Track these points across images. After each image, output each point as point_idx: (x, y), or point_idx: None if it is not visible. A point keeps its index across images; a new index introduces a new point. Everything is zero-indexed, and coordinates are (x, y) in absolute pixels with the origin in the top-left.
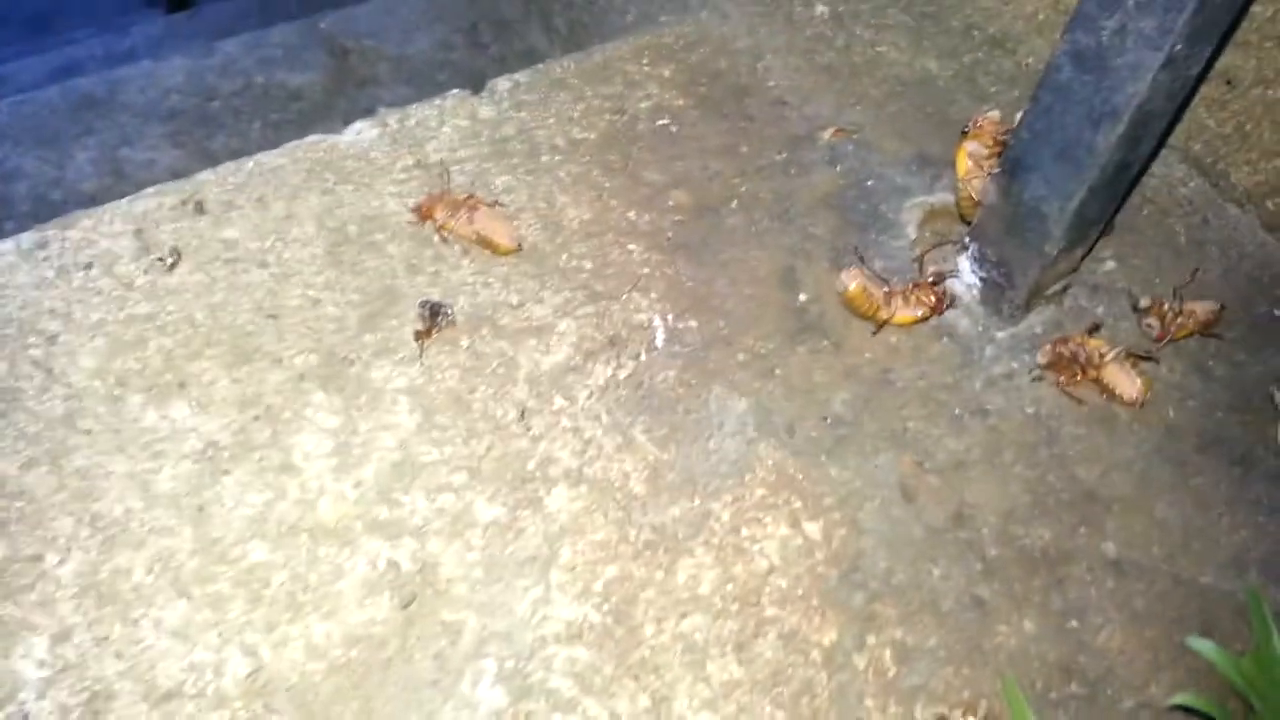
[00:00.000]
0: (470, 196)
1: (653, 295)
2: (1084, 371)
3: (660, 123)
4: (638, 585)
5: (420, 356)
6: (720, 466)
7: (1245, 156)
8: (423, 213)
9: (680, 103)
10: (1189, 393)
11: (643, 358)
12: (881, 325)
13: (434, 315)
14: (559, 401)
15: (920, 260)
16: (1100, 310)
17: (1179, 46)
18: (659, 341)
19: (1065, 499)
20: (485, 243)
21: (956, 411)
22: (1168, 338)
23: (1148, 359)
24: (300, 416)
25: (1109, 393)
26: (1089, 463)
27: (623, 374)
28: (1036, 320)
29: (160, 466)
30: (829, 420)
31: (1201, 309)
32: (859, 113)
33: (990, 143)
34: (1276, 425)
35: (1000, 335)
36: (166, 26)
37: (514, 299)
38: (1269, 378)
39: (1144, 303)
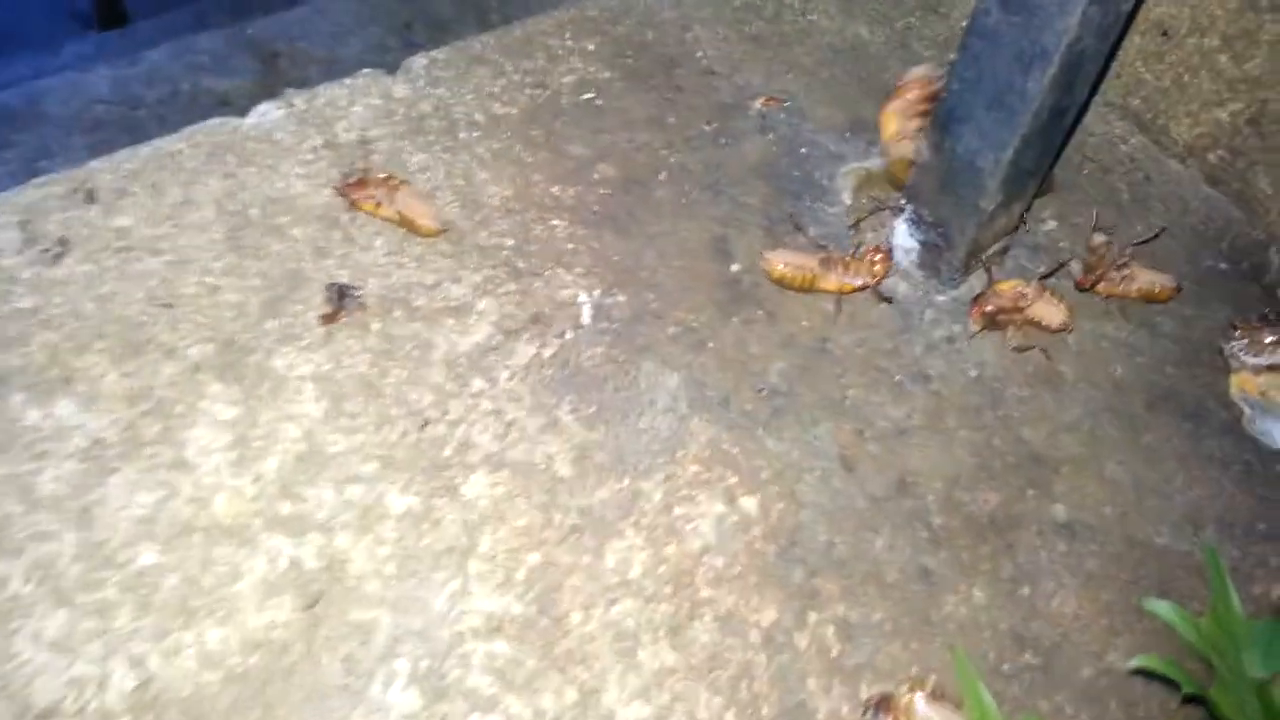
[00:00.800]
0: (390, 176)
1: (578, 271)
2: (1014, 320)
3: (585, 96)
4: (563, 572)
5: (327, 341)
6: (652, 444)
7: (1185, 109)
8: (343, 192)
9: (605, 75)
10: (1137, 349)
11: (569, 335)
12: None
13: (341, 298)
14: (478, 383)
15: (856, 226)
16: (1042, 270)
17: None
18: (586, 318)
19: (1012, 462)
20: (407, 223)
21: (897, 378)
22: (1089, 286)
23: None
24: (195, 409)
25: (1041, 328)
26: (1035, 424)
27: (548, 352)
28: (978, 283)
29: (42, 468)
30: (765, 392)
31: (1147, 278)
32: (790, 81)
33: (918, 100)
34: (1228, 378)
35: (940, 299)
36: (99, 44)
37: (429, 279)
38: (1218, 331)
39: (1096, 240)
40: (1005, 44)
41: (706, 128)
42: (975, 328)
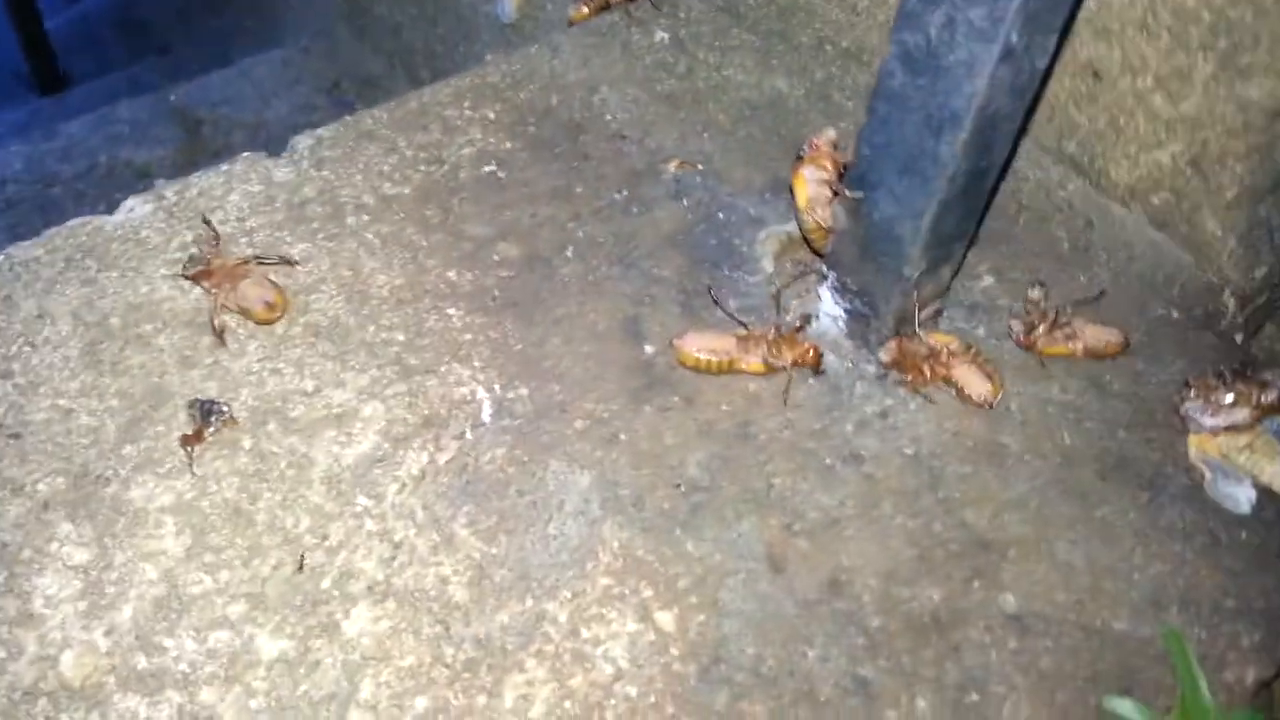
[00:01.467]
0: (244, 262)
1: (476, 364)
2: (933, 370)
3: (485, 170)
4: (455, 717)
5: (191, 466)
6: (560, 555)
7: (1123, 151)
8: (195, 280)
9: (508, 146)
10: (1086, 413)
11: (467, 436)
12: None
13: (206, 416)
14: (362, 501)
15: (778, 296)
16: (980, 331)
17: (1015, 37)
18: (486, 416)
19: (955, 550)
20: (244, 314)
21: (827, 461)
22: (1030, 346)
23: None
24: (43, 554)
25: (959, 392)
26: (979, 505)
27: (443, 458)
28: None
29: None
30: (683, 487)
31: (1093, 334)
32: (706, 141)
33: (829, 165)
34: (1186, 439)
35: (871, 369)
36: (31, 113)
37: (309, 385)
38: (1173, 386)
39: (1032, 294)
40: (913, 108)
41: (617, 196)
42: (885, 359)
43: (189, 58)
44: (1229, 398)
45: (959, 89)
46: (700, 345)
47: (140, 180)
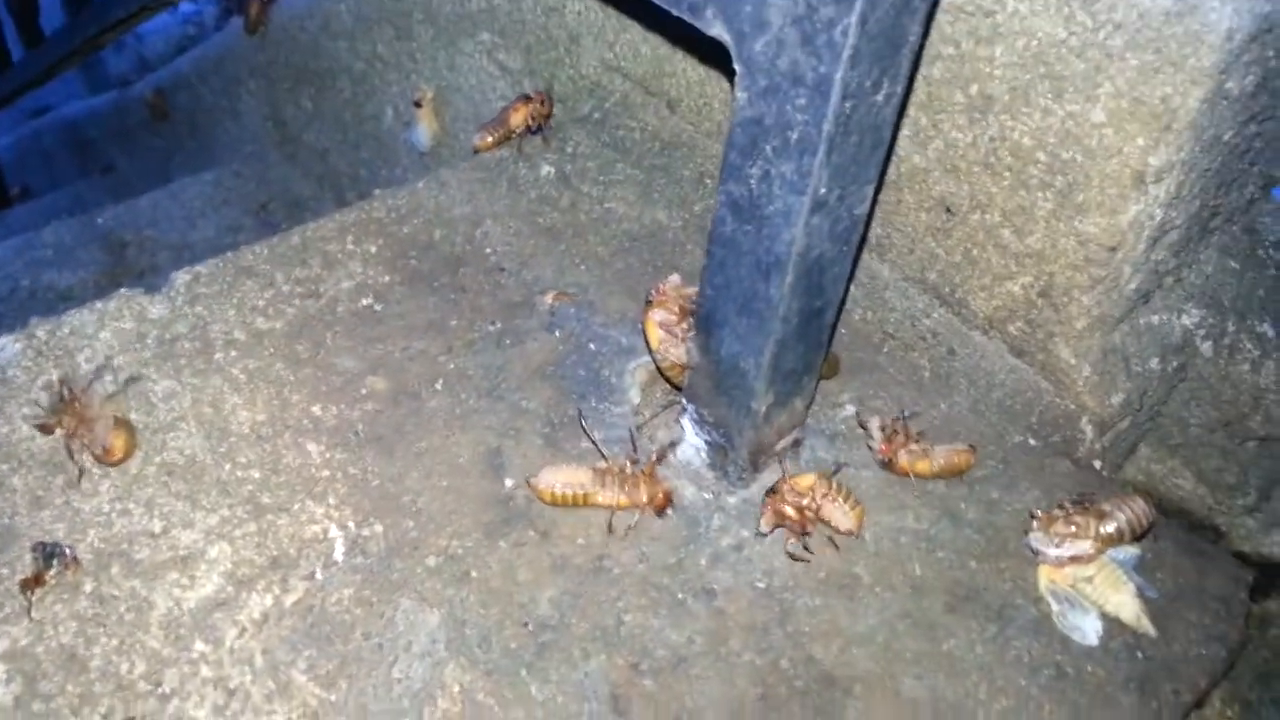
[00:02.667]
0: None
1: (331, 502)
2: (806, 516)
3: (363, 303)
4: None
5: (29, 610)
6: (401, 701)
7: (979, 283)
8: (43, 430)
9: (386, 279)
10: (938, 543)
11: (317, 577)
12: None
13: (48, 559)
14: (200, 646)
15: (641, 428)
16: (842, 459)
17: (824, 189)
18: (338, 555)
19: (799, 687)
20: (94, 457)
21: (679, 596)
22: (890, 456)
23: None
24: None
25: (831, 529)
26: (827, 639)
27: (288, 600)
28: (770, 479)
29: None
30: (531, 626)
31: (945, 451)
32: (583, 273)
33: (676, 308)
34: (1036, 569)
35: (731, 500)
36: None
37: (157, 526)
38: (1024, 512)
39: (874, 426)
40: (745, 252)
41: (491, 328)
42: (766, 528)
43: (132, 176)
44: (1069, 528)
45: (780, 236)
46: (555, 480)
47: (61, 303)
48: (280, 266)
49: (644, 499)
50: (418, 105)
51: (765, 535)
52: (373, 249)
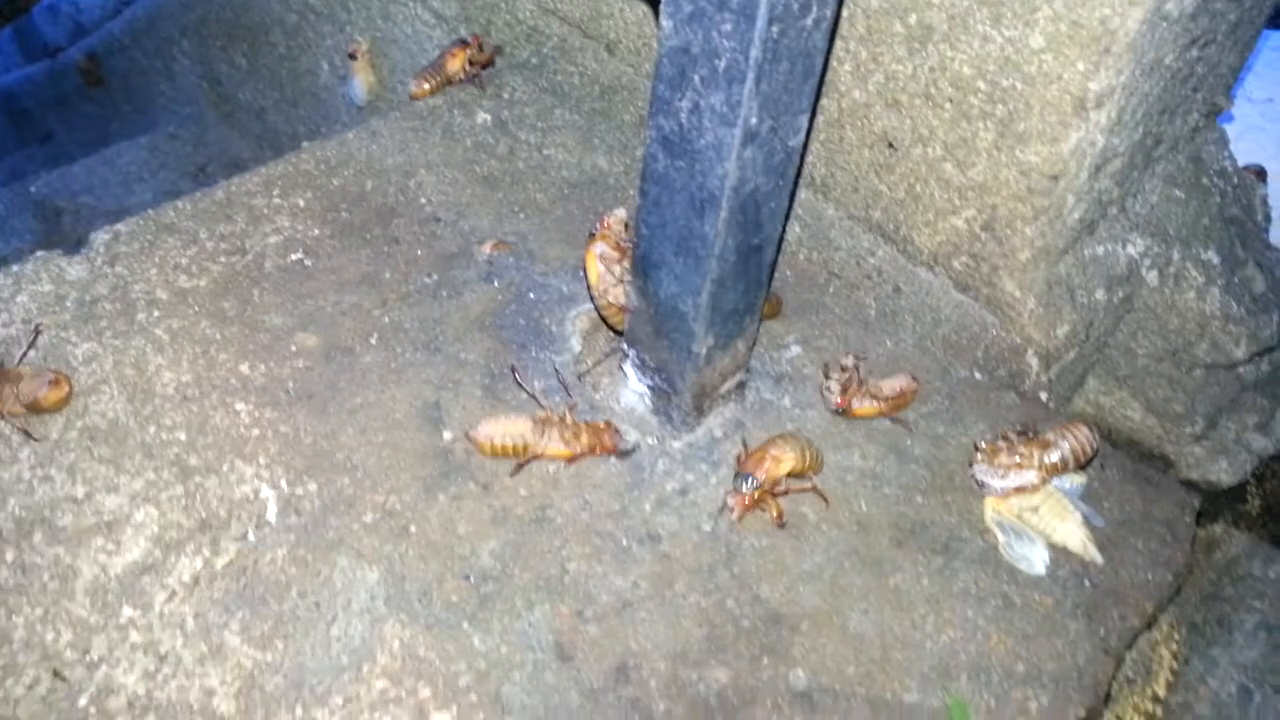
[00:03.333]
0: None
1: (261, 461)
2: (778, 495)
3: (292, 258)
4: None
5: None
6: (340, 659)
7: (923, 218)
8: None
9: (316, 233)
10: (883, 479)
11: (250, 538)
12: (528, 461)
13: None
14: (128, 612)
15: (583, 376)
16: (786, 401)
17: (755, 120)
18: (270, 515)
19: (746, 626)
20: (34, 408)
21: (624, 542)
22: (846, 408)
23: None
24: None
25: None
26: (773, 579)
27: (220, 563)
28: (715, 422)
29: None
30: (472, 578)
31: (890, 385)
32: (522, 221)
33: (618, 245)
34: (981, 501)
35: (676, 445)
36: None
37: (80, 491)
38: (970, 446)
39: (846, 361)
40: (678, 189)
41: (427, 280)
42: (736, 516)
43: (70, 145)
44: (1013, 459)
45: (712, 171)
46: (494, 431)
47: None
48: (204, 223)
49: (585, 446)
50: (353, 58)
51: (736, 522)
52: (301, 202)
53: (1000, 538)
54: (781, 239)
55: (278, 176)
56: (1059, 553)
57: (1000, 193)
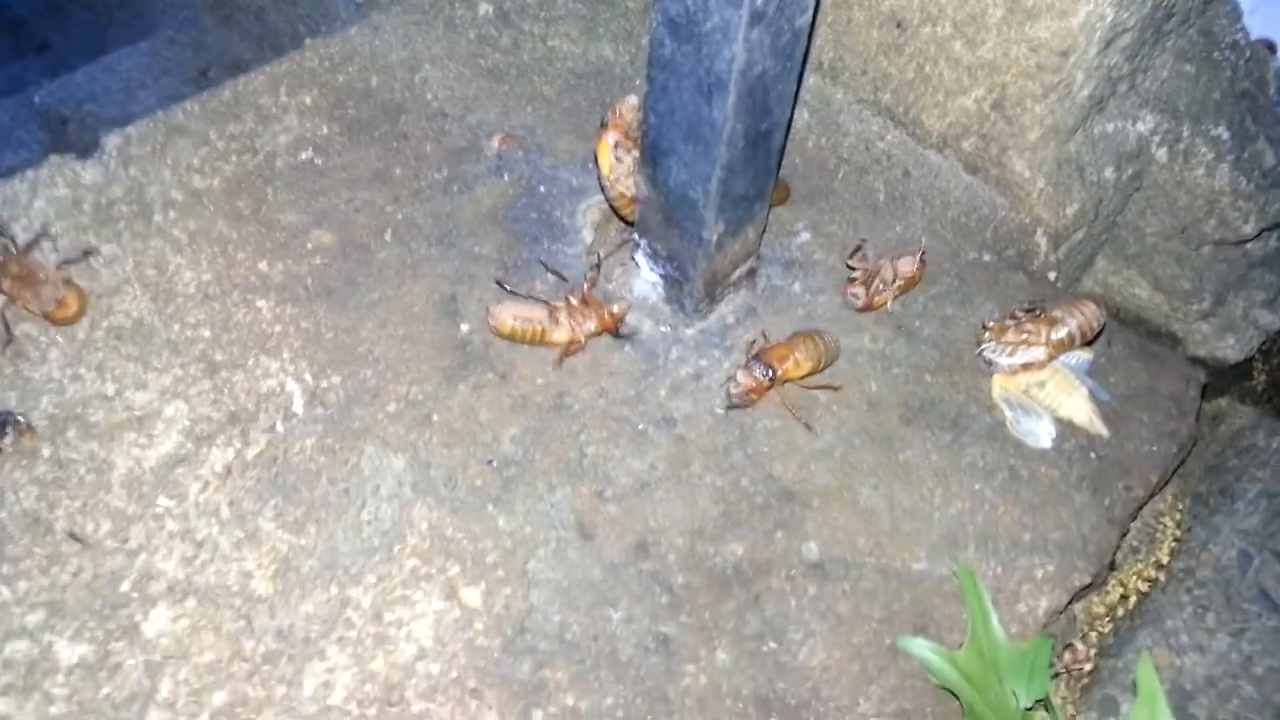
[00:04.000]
0: (40, 267)
1: (285, 356)
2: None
3: (302, 156)
4: (253, 709)
5: None
6: (371, 540)
7: (933, 100)
8: None
9: (325, 131)
10: (893, 360)
11: (278, 429)
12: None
13: (1, 427)
14: (164, 502)
15: (597, 267)
16: (796, 287)
17: (760, 0)
18: (297, 407)
19: (760, 503)
20: (46, 317)
21: (640, 426)
22: (870, 308)
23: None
24: None
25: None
26: (786, 458)
27: (251, 453)
28: (728, 310)
29: None
30: (495, 463)
31: (902, 269)
32: (529, 115)
33: (629, 134)
34: (989, 379)
35: (689, 333)
36: None
37: (110, 389)
38: (979, 326)
39: (857, 258)
40: (685, 74)
41: (437, 176)
42: (737, 391)
43: (68, 53)
44: (1020, 336)
45: (719, 54)
46: (516, 313)
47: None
48: (213, 123)
49: (596, 328)
50: None
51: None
52: (308, 100)
53: (1007, 413)
54: (790, 124)
55: (283, 75)
56: (1065, 427)
57: (1009, 70)
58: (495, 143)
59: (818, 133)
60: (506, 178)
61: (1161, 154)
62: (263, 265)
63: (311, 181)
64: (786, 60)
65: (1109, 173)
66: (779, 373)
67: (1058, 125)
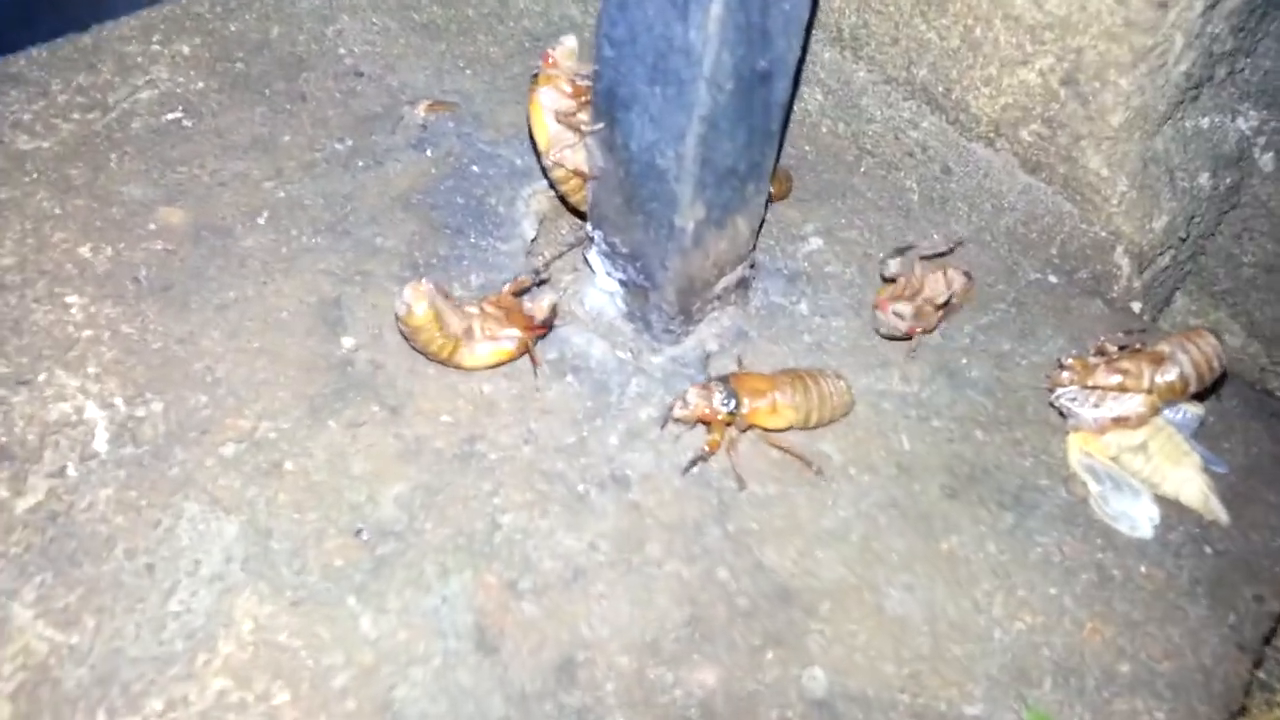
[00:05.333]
0: None
1: (90, 371)
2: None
3: (167, 117)
4: None
5: None
6: (174, 644)
7: (982, 74)
8: None
9: (200, 86)
10: (932, 408)
11: (68, 473)
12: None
13: None
14: None
15: (542, 271)
16: (803, 307)
17: None
18: (98, 444)
19: (744, 606)
20: None
21: (579, 488)
22: (911, 334)
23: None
24: None
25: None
26: (782, 540)
27: (21, 506)
28: (710, 332)
29: None
30: (366, 535)
31: (956, 279)
32: (468, 78)
33: (571, 87)
34: (1064, 439)
35: (655, 360)
36: None
37: None
38: (1047, 366)
39: (890, 270)
40: None
41: (338, 146)
42: (683, 414)
43: None
44: (1114, 379)
45: None
46: (429, 301)
47: None
48: (59, 73)
49: (521, 339)
50: None
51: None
52: (186, 50)
53: (1092, 487)
54: (799, 71)
55: (160, 20)
56: (1171, 508)
57: (1088, 30)
58: (420, 110)
59: (834, 117)
60: (430, 153)
61: (1267, 160)
62: (84, 250)
63: (171, 148)
64: None
65: (1204, 179)
66: (744, 410)
67: (1146, 108)
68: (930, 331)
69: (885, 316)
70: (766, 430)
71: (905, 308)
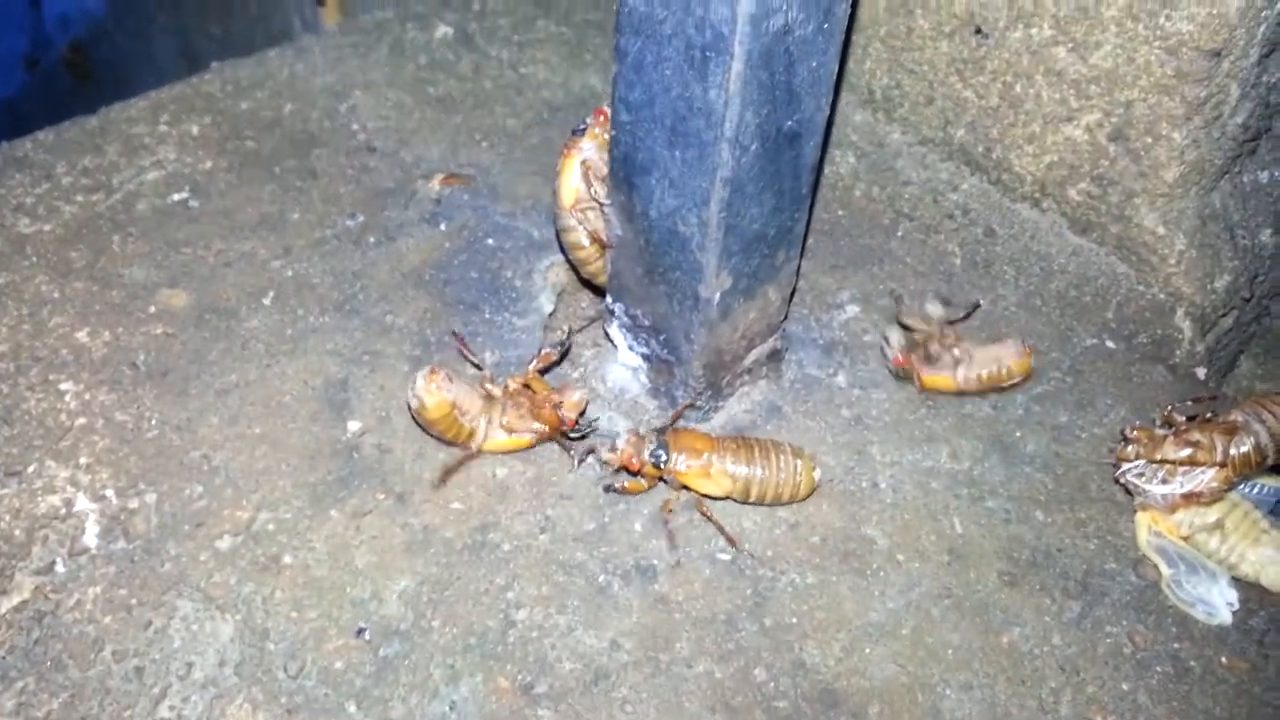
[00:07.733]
0: None
1: (82, 461)
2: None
3: (173, 198)
4: None
5: None
6: None
7: (1025, 132)
8: None
9: (208, 166)
10: (986, 487)
11: (56, 570)
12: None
13: None
14: None
15: (563, 346)
16: (840, 379)
17: None
18: (88, 539)
19: (785, 710)
20: None
21: (601, 579)
22: (907, 369)
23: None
24: None
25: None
26: (825, 635)
27: (6, 606)
28: (740, 408)
29: None
30: (369, 635)
31: (988, 355)
32: (484, 151)
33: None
34: (1132, 518)
35: None
36: None
37: None
38: (1108, 438)
39: (930, 310)
40: (667, 36)
41: (349, 223)
42: (611, 465)
43: None
44: (1184, 451)
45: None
46: (444, 391)
47: None
48: (64, 155)
49: (539, 429)
50: (320, 3)
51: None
52: (195, 130)
53: (1164, 570)
54: (828, 132)
55: (170, 100)
56: (1250, 591)
57: (1137, 83)
58: (436, 184)
59: (868, 180)
60: (444, 227)
61: None
62: (82, 334)
63: (177, 229)
64: (823, 15)
65: (1265, 236)
66: (674, 466)
67: (1202, 163)
68: (936, 365)
69: (883, 342)
70: (701, 495)
71: (895, 334)
